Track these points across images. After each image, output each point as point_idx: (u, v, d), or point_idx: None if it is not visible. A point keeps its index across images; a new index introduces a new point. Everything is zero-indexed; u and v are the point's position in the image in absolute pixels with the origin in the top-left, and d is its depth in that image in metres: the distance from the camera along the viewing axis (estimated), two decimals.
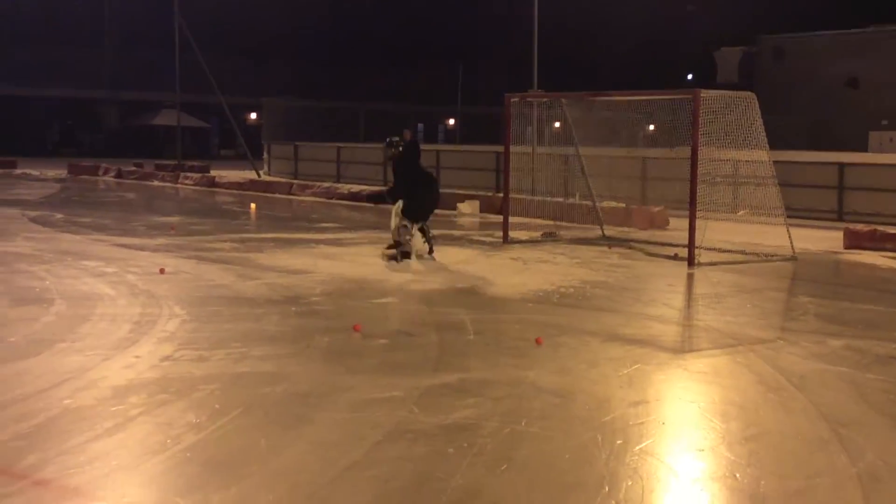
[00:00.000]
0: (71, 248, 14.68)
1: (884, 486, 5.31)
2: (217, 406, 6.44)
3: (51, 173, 38.18)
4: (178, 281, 11.68)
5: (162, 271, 12.25)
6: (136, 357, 7.77)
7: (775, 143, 17.19)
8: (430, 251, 13.91)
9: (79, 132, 63.13)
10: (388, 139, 14.06)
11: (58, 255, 13.74)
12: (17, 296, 10.43)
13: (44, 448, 5.56)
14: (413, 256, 13.57)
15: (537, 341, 8.61)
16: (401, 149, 13.89)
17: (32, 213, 20.72)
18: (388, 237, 14.24)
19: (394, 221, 13.63)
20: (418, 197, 13.69)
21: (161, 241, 15.96)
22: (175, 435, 5.84)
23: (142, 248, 14.85)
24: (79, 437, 5.77)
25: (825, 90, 50.52)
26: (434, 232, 14.15)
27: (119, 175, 36.66)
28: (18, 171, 39.66)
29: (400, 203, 13.62)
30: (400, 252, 13.53)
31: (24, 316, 9.35)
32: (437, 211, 14.37)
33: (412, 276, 12.35)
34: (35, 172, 38.59)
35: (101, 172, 37.67)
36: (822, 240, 17.02)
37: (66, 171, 38.86)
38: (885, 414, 6.64)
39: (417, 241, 13.81)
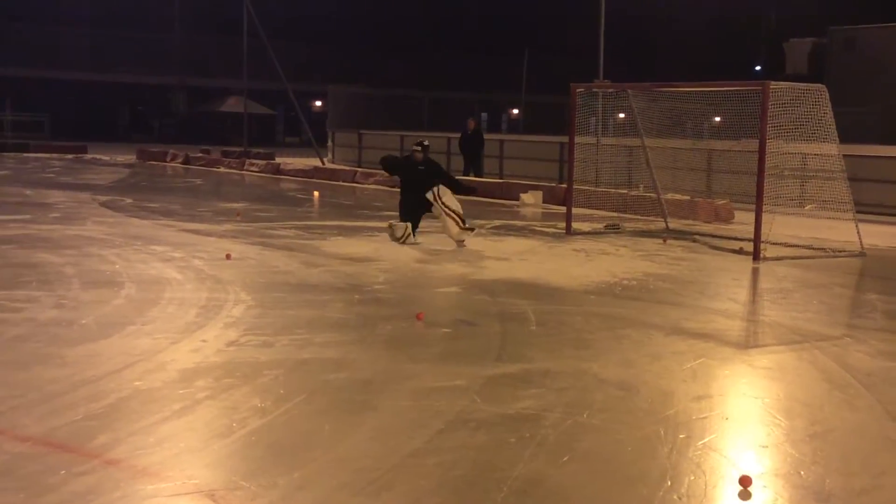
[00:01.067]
0: (140, 233, 14.94)
1: None
2: (281, 391, 6.53)
3: (120, 158, 38.83)
4: (244, 267, 11.84)
5: (228, 257, 12.42)
6: (203, 341, 7.91)
7: (846, 136, 16.91)
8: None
9: (148, 117, 64.07)
10: (420, 143, 15.01)
11: (127, 240, 14.00)
12: (88, 279, 10.66)
13: (115, 428, 5.69)
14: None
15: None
16: (424, 154, 14.70)
17: (102, 198, 21.11)
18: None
19: (458, 205, 14.25)
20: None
21: (227, 227, 16.18)
22: (240, 419, 5.94)
23: (208, 234, 15.06)
24: (148, 418, 5.90)
25: None
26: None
27: (186, 161, 37.16)
28: (88, 156, 40.37)
29: (441, 187, 14.32)
30: (469, 227, 14.36)
31: (96, 299, 9.55)
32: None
33: (475, 267, 12.38)
34: (105, 157, 39.27)
35: (169, 158, 38.21)
36: (891, 236, 16.72)
37: (135, 157, 39.49)
38: None
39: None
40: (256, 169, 33.72)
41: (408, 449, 5.51)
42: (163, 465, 5.15)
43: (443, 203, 14.11)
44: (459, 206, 14.27)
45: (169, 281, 10.63)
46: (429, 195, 14.20)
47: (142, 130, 61.57)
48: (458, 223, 14.11)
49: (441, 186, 14.29)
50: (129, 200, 20.77)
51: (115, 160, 37.97)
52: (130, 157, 39.16)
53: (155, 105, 63.68)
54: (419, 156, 14.65)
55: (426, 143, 14.94)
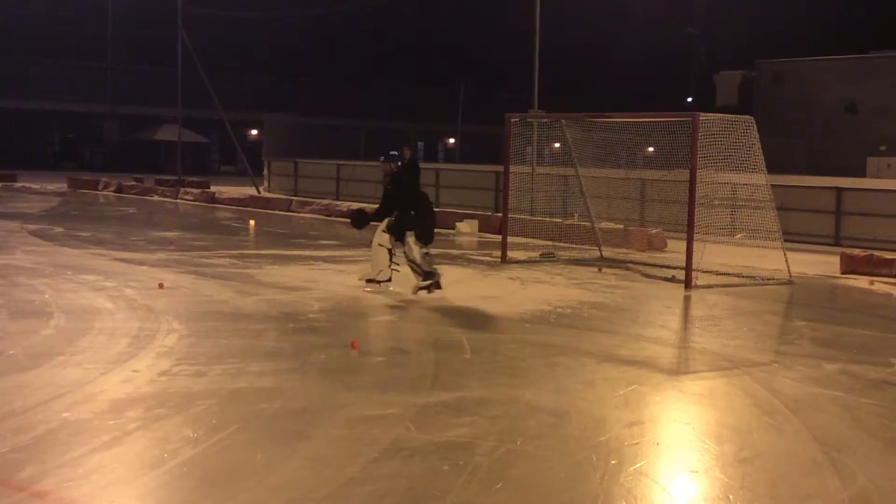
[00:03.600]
0: (70, 262, 14.72)
1: None
2: (214, 421, 6.47)
3: (51, 187, 38.24)
4: (177, 296, 11.73)
5: (161, 286, 12.29)
6: (135, 371, 7.81)
7: (773, 167, 17.27)
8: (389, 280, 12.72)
9: (80, 146, 63.20)
10: (388, 153, 13.16)
11: (57, 269, 13.79)
12: (16, 309, 10.47)
13: (42, 460, 5.59)
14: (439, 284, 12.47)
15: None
16: (400, 164, 12.85)
17: (32, 227, 20.77)
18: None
19: (414, 251, 12.33)
20: (424, 218, 12.66)
21: (160, 255, 16.01)
22: (172, 449, 5.87)
23: (141, 263, 14.89)
24: (77, 449, 5.81)
25: (824, 115, 50.66)
26: (433, 251, 13.93)
27: (119, 189, 36.72)
28: (18, 185, 39.71)
29: (410, 236, 12.40)
30: (434, 282, 12.31)
31: (24, 329, 9.39)
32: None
33: (410, 296, 12.38)
34: (35, 186, 38.64)
35: (101, 187, 37.73)
36: (818, 264, 17.07)
37: (66, 185, 38.92)
38: (878, 438, 6.68)
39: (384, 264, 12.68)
40: (191, 197, 33.43)
41: (342, 478, 5.49)
42: (91, 498, 5.08)
43: (405, 253, 12.42)
44: (419, 254, 12.34)
45: (100, 310, 10.49)
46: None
47: (72, 158, 60.66)
48: (416, 273, 12.38)
49: (409, 235, 12.38)
50: (59, 229, 20.46)
51: (46, 188, 37.40)
52: (61, 186, 38.59)
53: (86, 133, 62.85)
54: (387, 168, 12.84)
55: (392, 152, 12.97)
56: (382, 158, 12.97)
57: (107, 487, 5.23)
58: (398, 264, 12.52)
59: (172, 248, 17.20)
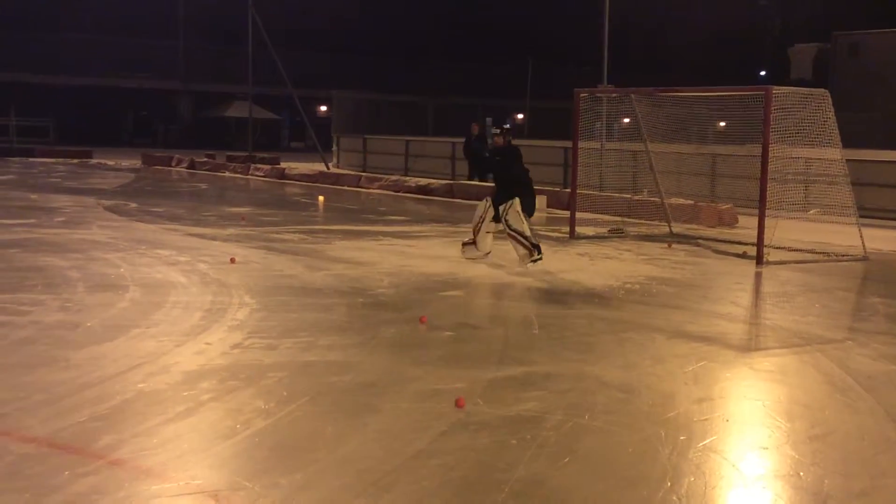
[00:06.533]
0: (145, 237, 14.99)
1: None
2: (285, 393, 6.57)
3: (125, 163, 38.90)
4: (248, 270, 11.89)
5: (233, 261, 12.47)
6: (208, 344, 7.95)
7: (849, 141, 16.92)
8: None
9: (153, 123, 64.15)
10: (503, 126, 13.31)
11: (132, 244, 14.05)
12: (93, 282, 10.70)
13: (119, 430, 5.74)
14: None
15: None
16: (511, 137, 13.36)
17: (107, 203, 21.16)
18: (462, 231, 14.22)
19: (523, 224, 12.63)
20: (531, 193, 13.23)
21: (232, 231, 16.22)
22: (244, 420, 5.98)
23: (213, 238, 15.11)
24: (152, 419, 5.94)
25: None
26: (500, 226, 13.98)
27: (191, 166, 37.20)
28: (94, 161, 40.45)
29: (515, 202, 12.70)
30: (537, 250, 12.65)
31: (100, 302, 9.60)
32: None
33: (479, 271, 12.40)
34: (110, 162, 39.34)
35: (174, 163, 38.25)
36: (894, 240, 16.72)
37: (140, 162, 39.56)
38: None
39: (490, 240, 13.26)
40: (261, 174, 33.76)
41: (410, 451, 5.54)
42: (166, 466, 5.19)
43: (507, 222, 12.69)
44: (525, 226, 12.70)
45: (173, 284, 10.68)
46: (500, 208, 12.83)
47: (146, 136, 61.62)
48: (523, 245, 12.63)
49: (512, 203, 12.70)
50: (133, 205, 20.83)
51: (120, 165, 38.05)
52: (135, 163, 39.24)
53: (159, 110, 63.75)
54: (498, 140, 13.25)
55: (507, 125, 13.27)
56: (497, 131, 13.20)
57: (181, 457, 5.35)
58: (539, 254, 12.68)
59: (244, 224, 17.42)
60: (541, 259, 12.66)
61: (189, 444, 5.54)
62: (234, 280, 11.04)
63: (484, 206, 13.14)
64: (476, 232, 13.14)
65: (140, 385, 6.70)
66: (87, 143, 47.04)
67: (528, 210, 12.94)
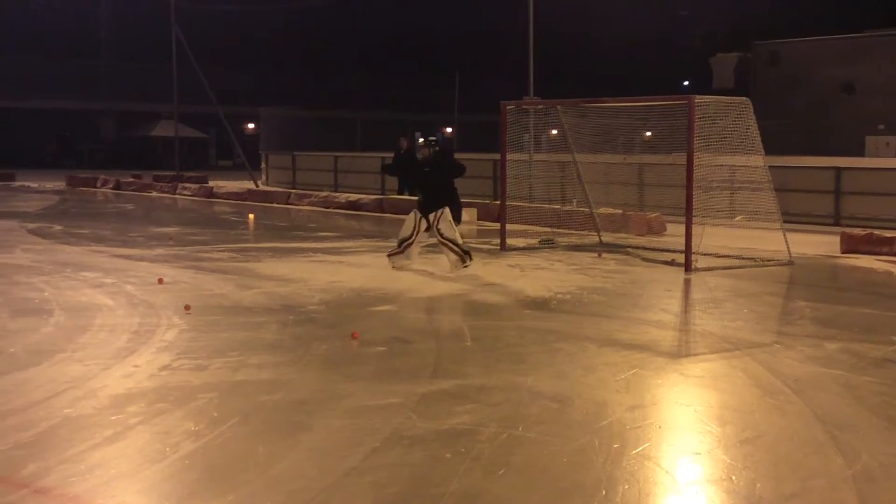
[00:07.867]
0: (70, 260, 14.71)
1: (878, 487, 5.35)
2: (215, 414, 6.47)
3: (49, 185, 38.22)
4: (177, 291, 11.72)
5: (160, 281, 12.29)
6: (135, 366, 7.81)
7: (771, 148, 17.24)
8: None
9: (77, 144, 63.16)
10: (427, 139, 14.19)
11: (56, 267, 13.78)
12: (16, 307, 10.47)
13: (44, 457, 5.59)
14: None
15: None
16: (436, 148, 14.14)
17: (31, 225, 20.75)
18: (387, 246, 14.20)
19: (455, 232, 13.29)
20: (458, 200, 14.20)
21: (159, 251, 16.00)
22: (173, 443, 5.87)
23: (140, 259, 14.88)
24: (79, 445, 5.80)
25: (821, 95, 50.47)
26: (431, 240, 14.09)
27: (117, 186, 36.68)
28: (17, 184, 39.69)
29: (445, 212, 13.37)
30: (469, 256, 13.32)
31: (24, 327, 9.39)
32: None
33: (411, 284, 12.38)
34: (33, 184, 38.62)
35: (99, 184, 37.69)
36: (818, 244, 17.05)
37: (64, 183, 38.90)
38: (881, 416, 6.67)
39: (417, 249, 13.82)
40: (189, 193, 33.41)
41: (343, 468, 5.49)
42: (94, 493, 5.07)
43: (439, 230, 13.29)
44: (457, 233, 13.36)
45: (100, 307, 10.48)
46: (431, 216, 13.38)
47: (71, 157, 60.65)
48: (455, 252, 13.25)
49: (442, 211, 13.35)
50: (58, 227, 20.45)
51: (44, 187, 37.37)
52: (60, 184, 38.56)
53: (83, 131, 62.81)
54: (425, 152, 13.86)
55: (432, 138, 14.01)
56: (422, 142, 14.07)
57: (109, 482, 5.23)
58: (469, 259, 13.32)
59: (171, 244, 17.19)
60: (472, 262, 13.26)
61: (117, 470, 5.42)
62: (162, 301, 10.88)
63: (414, 219, 13.35)
64: (408, 244, 13.47)
65: (66, 410, 6.54)
66: (10, 165, 46.13)
67: (457, 218, 13.67)
